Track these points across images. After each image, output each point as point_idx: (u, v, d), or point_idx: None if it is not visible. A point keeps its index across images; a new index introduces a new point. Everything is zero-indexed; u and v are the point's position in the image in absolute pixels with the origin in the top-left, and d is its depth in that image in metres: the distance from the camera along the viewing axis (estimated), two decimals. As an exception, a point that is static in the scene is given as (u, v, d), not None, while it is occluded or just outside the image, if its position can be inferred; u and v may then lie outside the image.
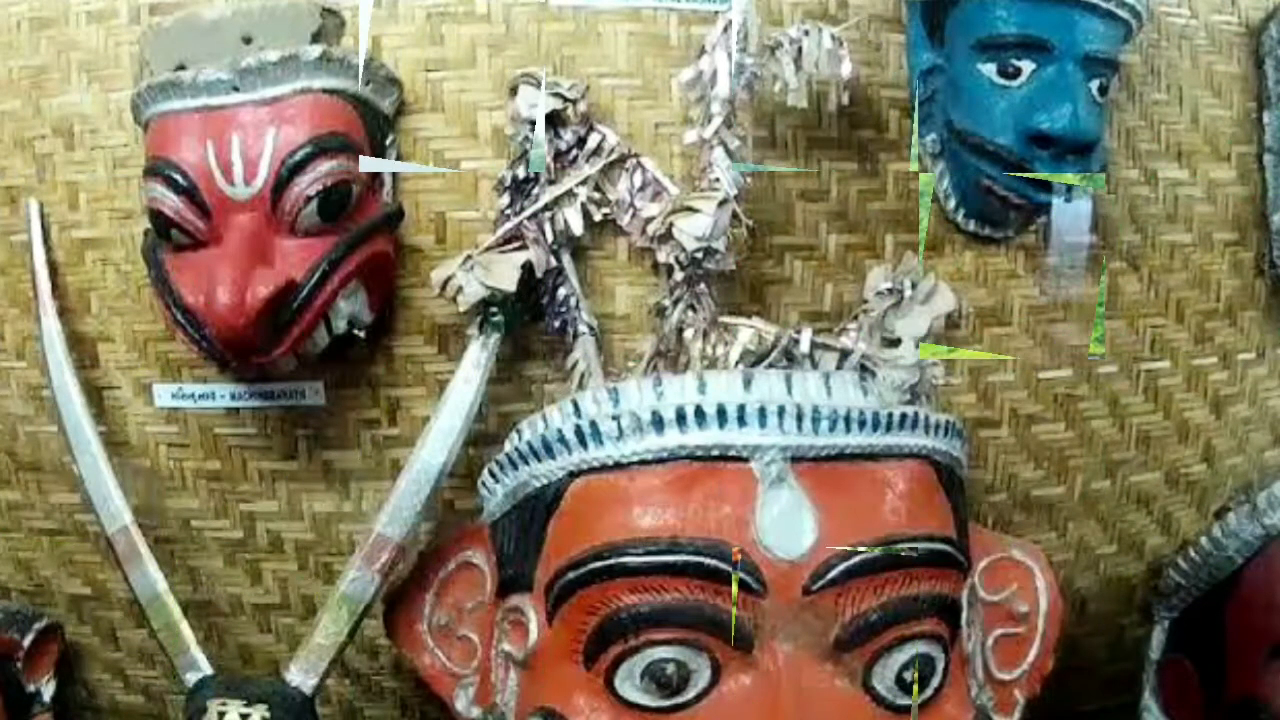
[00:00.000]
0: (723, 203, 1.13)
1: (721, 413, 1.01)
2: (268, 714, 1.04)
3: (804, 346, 1.15)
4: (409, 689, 1.33)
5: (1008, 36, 1.18)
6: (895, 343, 1.21)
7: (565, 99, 1.17)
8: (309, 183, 1.12)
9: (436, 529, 1.22)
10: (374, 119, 1.18)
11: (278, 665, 1.16)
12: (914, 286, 1.23)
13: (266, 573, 1.32)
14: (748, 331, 1.15)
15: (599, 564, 0.99)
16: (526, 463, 1.07)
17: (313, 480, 1.29)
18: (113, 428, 1.29)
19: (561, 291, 1.20)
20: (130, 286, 1.26)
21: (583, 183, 1.19)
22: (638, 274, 1.24)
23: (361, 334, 1.20)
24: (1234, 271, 1.40)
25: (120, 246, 1.26)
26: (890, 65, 1.26)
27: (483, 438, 1.21)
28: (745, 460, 1.01)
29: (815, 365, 1.15)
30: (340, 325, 1.17)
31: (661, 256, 1.18)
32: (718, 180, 1.13)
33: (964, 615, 1.07)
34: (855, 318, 1.23)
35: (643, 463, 1.01)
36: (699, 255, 1.13)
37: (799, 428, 1.01)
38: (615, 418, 1.02)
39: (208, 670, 1.10)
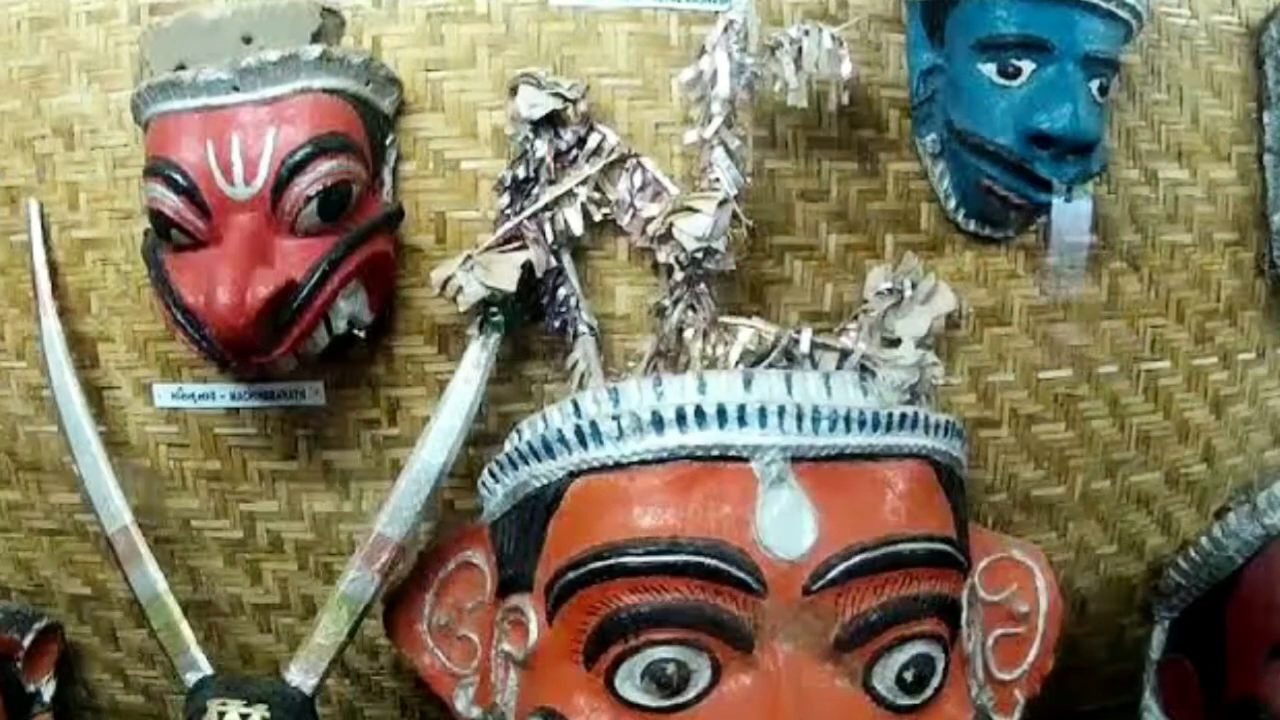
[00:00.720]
0: (723, 203, 1.13)
1: (721, 413, 1.01)
2: (268, 714, 1.04)
3: (804, 346, 1.15)
4: (409, 689, 1.33)
5: (1008, 36, 1.18)
6: (895, 343, 1.21)
7: (565, 99, 1.17)
8: (309, 183, 1.11)
9: (436, 529, 1.22)
10: (374, 119, 1.18)
11: (278, 665, 1.16)
12: (914, 286, 1.23)
13: (266, 573, 1.32)
14: (748, 331, 1.15)
15: (599, 564, 0.99)
16: (526, 463, 1.07)
17: (313, 480, 1.29)
18: (113, 428, 1.29)
19: (561, 291, 1.20)
20: (130, 286, 1.26)
21: (583, 183, 1.19)
22: (638, 274, 1.24)
23: (361, 334, 1.20)
24: (1234, 271, 1.40)
25: (120, 246, 1.26)
26: (890, 65, 1.26)
27: (483, 438, 1.20)
28: (745, 460, 1.01)
29: (815, 365, 1.15)
30: (340, 325, 1.17)
31: (661, 256, 1.17)
32: (718, 180, 1.13)
33: (964, 615, 1.07)
34: (855, 318, 1.23)
35: (643, 463, 1.01)
36: (699, 255, 1.13)
37: (799, 428, 1.01)
38: (615, 418, 1.02)
39: (208, 670, 1.10)
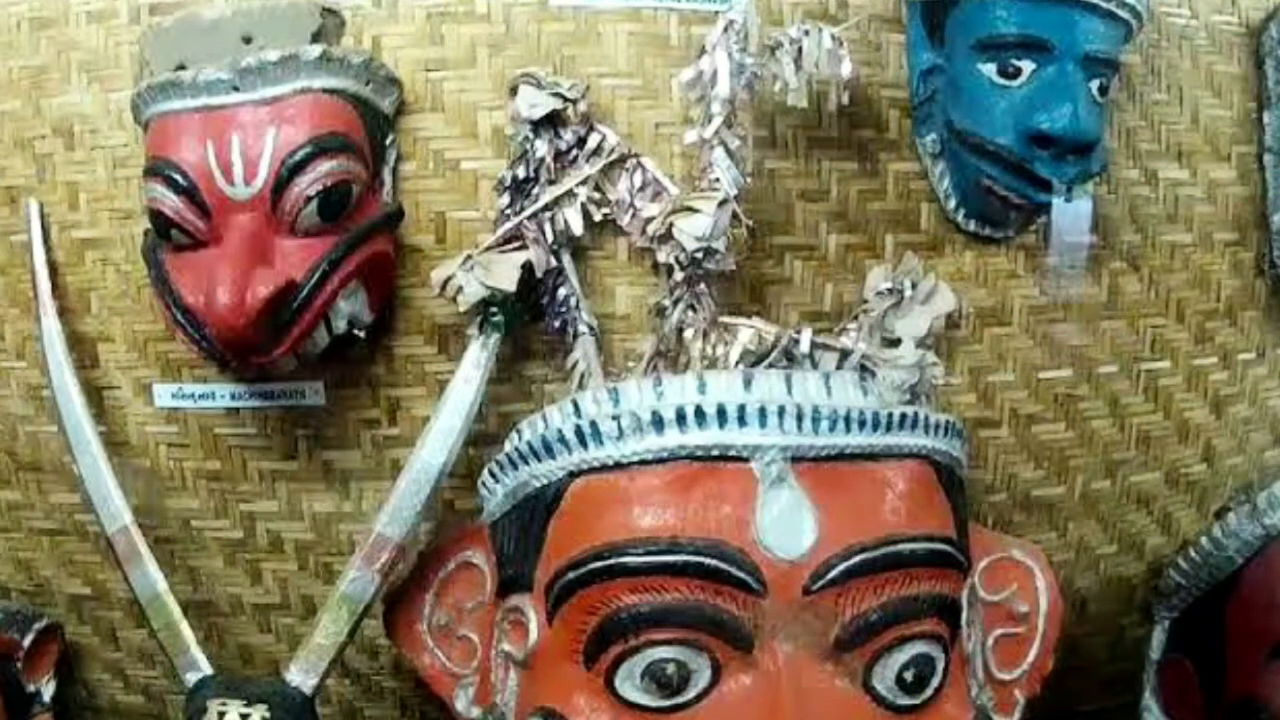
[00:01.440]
0: (723, 203, 1.13)
1: (721, 413, 1.01)
2: (268, 714, 1.04)
3: (804, 346, 1.15)
4: (409, 689, 1.33)
5: (1008, 36, 1.18)
6: (895, 343, 1.21)
7: (565, 99, 1.17)
8: (309, 183, 1.11)
9: (436, 529, 1.22)
10: (374, 119, 1.18)
11: (278, 665, 1.16)
12: (914, 286, 1.23)
13: (266, 573, 1.32)
14: (748, 331, 1.15)
15: (599, 564, 0.99)
16: (526, 463, 1.07)
17: (313, 480, 1.29)
18: (113, 428, 1.29)
19: (561, 291, 1.20)
20: (130, 286, 1.26)
21: (583, 183, 1.19)
22: (638, 274, 1.24)
23: (361, 334, 1.20)
24: (1234, 271, 1.40)
25: (120, 246, 1.26)
26: (890, 65, 1.26)
27: (483, 438, 1.21)
28: (745, 460, 1.01)
29: (815, 365, 1.15)
30: (340, 325, 1.17)
31: (661, 256, 1.18)
32: (718, 180, 1.13)
33: (964, 615, 1.07)
34: (855, 318, 1.23)
35: (643, 463, 1.01)
36: (699, 255, 1.13)
37: (799, 428, 1.01)
38: (615, 418, 1.02)
39: (208, 670, 1.10)
